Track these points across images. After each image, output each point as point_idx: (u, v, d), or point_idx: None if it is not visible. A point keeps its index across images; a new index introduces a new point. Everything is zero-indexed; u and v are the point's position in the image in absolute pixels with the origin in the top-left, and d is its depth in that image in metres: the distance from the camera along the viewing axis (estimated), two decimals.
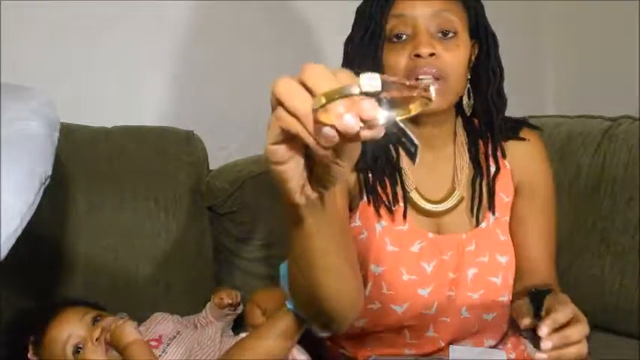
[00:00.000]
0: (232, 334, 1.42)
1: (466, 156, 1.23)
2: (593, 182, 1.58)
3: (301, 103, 0.61)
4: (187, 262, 1.58)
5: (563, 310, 0.97)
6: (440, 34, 1.13)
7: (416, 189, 1.20)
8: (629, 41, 1.95)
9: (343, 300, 0.91)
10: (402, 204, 1.19)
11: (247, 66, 1.85)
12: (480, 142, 1.24)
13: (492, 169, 1.23)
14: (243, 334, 1.32)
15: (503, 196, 1.24)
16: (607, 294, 1.53)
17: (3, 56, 1.49)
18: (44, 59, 1.59)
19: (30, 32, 1.57)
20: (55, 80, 1.53)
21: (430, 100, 0.61)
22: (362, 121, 0.59)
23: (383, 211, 1.18)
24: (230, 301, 1.43)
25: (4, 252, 0.93)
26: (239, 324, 1.51)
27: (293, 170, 0.67)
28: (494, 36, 1.20)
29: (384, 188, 1.18)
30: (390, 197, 1.18)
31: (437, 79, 1.12)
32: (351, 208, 1.21)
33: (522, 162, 1.25)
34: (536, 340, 0.95)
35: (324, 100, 0.59)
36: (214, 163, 1.70)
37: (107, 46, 1.66)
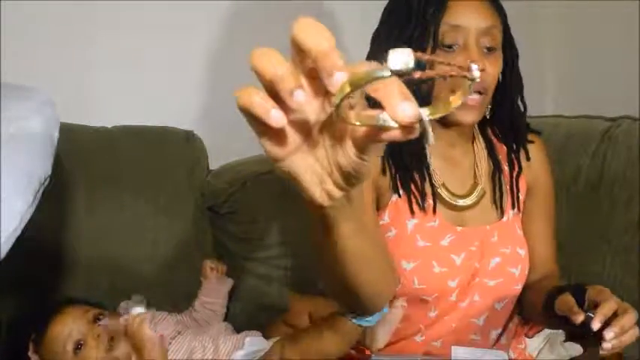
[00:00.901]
0: (235, 333, 1.42)
1: (484, 152, 1.29)
2: (592, 182, 1.58)
3: (275, 65, 0.53)
4: (188, 262, 1.58)
5: (609, 303, 1.04)
6: (485, 49, 1.17)
7: (443, 185, 1.25)
8: (629, 41, 1.95)
9: (378, 286, 0.90)
10: (431, 200, 1.23)
11: (248, 66, 1.85)
12: (497, 144, 1.31)
13: (515, 168, 1.30)
14: (248, 332, 1.32)
15: (519, 194, 1.31)
16: None
17: (3, 56, 1.49)
18: (44, 59, 1.59)
19: (30, 32, 1.57)
20: (55, 80, 1.53)
21: (473, 80, 0.51)
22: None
23: (415, 207, 1.22)
24: (212, 266, 1.48)
25: (4, 252, 0.93)
26: (238, 323, 1.51)
27: (298, 166, 0.59)
28: (516, 48, 1.26)
29: (415, 185, 1.23)
30: (421, 194, 1.23)
31: (481, 93, 1.17)
32: (380, 207, 1.24)
33: (531, 163, 1.33)
34: (586, 333, 1.05)
35: (348, 89, 0.49)
36: (214, 163, 1.70)
37: (107, 46, 1.66)
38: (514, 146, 1.31)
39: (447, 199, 1.24)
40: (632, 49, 1.93)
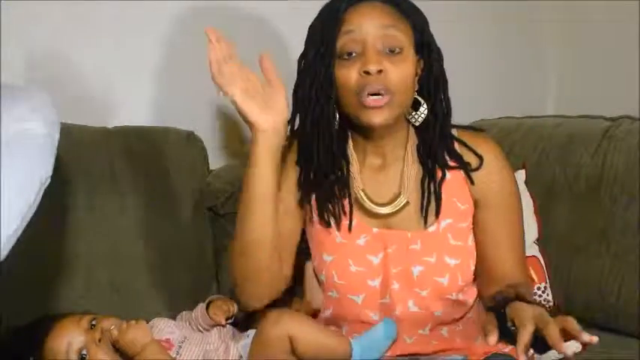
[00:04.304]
0: (239, 333, 1.42)
1: (416, 160, 1.28)
2: (593, 182, 1.58)
3: None
4: (187, 262, 1.58)
5: (525, 330, 1.04)
6: (387, 51, 1.19)
7: (363, 190, 1.26)
8: (629, 41, 1.95)
9: (263, 272, 1.25)
10: (347, 209, 1.27)
11: (248, 66, 1.85)
12: (430, 148, 1.28)
13: (439, 174, 1.27)
14: (251, 332, 1.31)
15: (459, 203, 1.27)
16: (607, 294, 1.53)
17: (3, 56, 1.49)
18: (44, 59, 1.59)
19: (30, 32, 1.57)
20: (55, 80, 1.53)
21: None
22: None
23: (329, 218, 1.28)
24: (226, 317, 1.39)
25: (5, 253, 0.93)
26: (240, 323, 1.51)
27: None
28: (438, 51, 1.26)
29: (333, 200, 1.27)
30: (339, 208, 1.27)
31: (383, 94, 1.18)
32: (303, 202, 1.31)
33: (481, 175, 1.28)
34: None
35: None
36: (214, 163, 1.70)
37: (108, 46, 1.66)
38: (436, 153, 1.27)
39: (366, 205, 1.26)
40: (632, 49, 1.93)
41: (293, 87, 1.27)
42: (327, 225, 1.27)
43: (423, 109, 1.25)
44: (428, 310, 1.24)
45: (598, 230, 1.56)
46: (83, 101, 1.62)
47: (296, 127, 1.29)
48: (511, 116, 1.84)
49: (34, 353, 1.25)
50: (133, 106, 1.69)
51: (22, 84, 1.11)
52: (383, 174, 1.29)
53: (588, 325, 1.53)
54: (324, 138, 1.24)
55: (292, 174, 1.30)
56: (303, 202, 1.30)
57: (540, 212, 1.64)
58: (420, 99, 1.25)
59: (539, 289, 1.55)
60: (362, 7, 1.21)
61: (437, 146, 1.26)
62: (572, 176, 1.62)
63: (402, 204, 1.25)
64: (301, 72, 1.26)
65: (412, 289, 1.24)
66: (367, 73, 1.17)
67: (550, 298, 1.56)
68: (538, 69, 2.17)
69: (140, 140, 1.60)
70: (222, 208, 1.63)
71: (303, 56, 1.26)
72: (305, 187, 1.29)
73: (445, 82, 1.27)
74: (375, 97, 1.18)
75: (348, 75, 1.19)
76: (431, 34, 1.26)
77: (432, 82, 1.25)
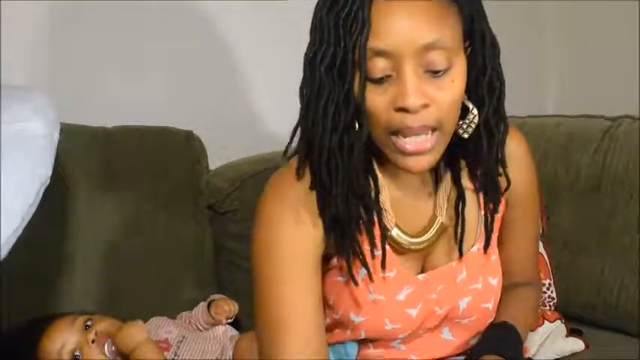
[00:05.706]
0: (237, 333, 1.42)
1: (449, 179, 1.05)
2: (593, 182, 1.58)
3: None
4: (187, 261, 1.58)
5: None
6: (431, 72, 0.89)
7: (396, 225, 1.02)
8: (629, 41, 1.95)
9: None
10: (379, 252, 1.00)
11: (248, 66, 1.85)
12: (464, 165, 1.04)
13: (490, 205, 1.05)
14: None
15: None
16: (607, 294, 1.53)
17: (3, 57, 1.49)
18: (45, 59, 1.59)
19: (31, 32, 1.57)
20: (55, 80, 1.53)
21: None
22: None
23: (357, 271, 1.01)
24: (226, 317, 1.41)
25: (4, 253, 0.93)
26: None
27: None
28: (493, 42, 0.95)
29: (358, 238, 0.98)
30: (369, 246, 1.00)
31: (427, 134, 0.90)
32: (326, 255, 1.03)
33: (514, 180, 1.07)
34: None
35: None
36: (214, 163, 1.70)
37: (107, 45, 1.66)
38: (494, 185, 1.03)
39: (404, 243, 1.02)
40: (632, 49, 1.94)
41: (299, 85, 0.95)
42: (355, 283, 1.00)
43: (473, 117, 0.95)
44: (463, 338, 1.10)
45: (598, 230, 1.56)
46: (83, 101, 1.62)
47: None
48: (512, 116, 1.84)
49: (31, 354, 1.25)
50: (132, 106, 1.69)
51: (22, 85, 1.11)
52: (415, 197, 1.05)
53: (588, 324, 1.55)
54: (342, 172, 0.93)
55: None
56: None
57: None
58: (468, 103, 0.95)
59: (543, 285, 1.56)
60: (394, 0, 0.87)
61: (493, 175, 1.01)
62: (573, 176, 1.62)
63: (440, 229, 1.04)
64: (313, 84, 0.92)
65: (454, 320, 1.08)
66: (404, 110, 0.87)
67: (554, 295, 1.56)
68: (538, 69, 2.17)
69: (140, 140, 1.60)
70: (221, 206, 1.63)
71: (311, 60, 0.93)
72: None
73: (502, 83, 0.96)
74: (415, 138, 0.90)
75: (378, 106, 0.89)
76: (484, 17, 0.94)
77: (484, 82, 0.94)
